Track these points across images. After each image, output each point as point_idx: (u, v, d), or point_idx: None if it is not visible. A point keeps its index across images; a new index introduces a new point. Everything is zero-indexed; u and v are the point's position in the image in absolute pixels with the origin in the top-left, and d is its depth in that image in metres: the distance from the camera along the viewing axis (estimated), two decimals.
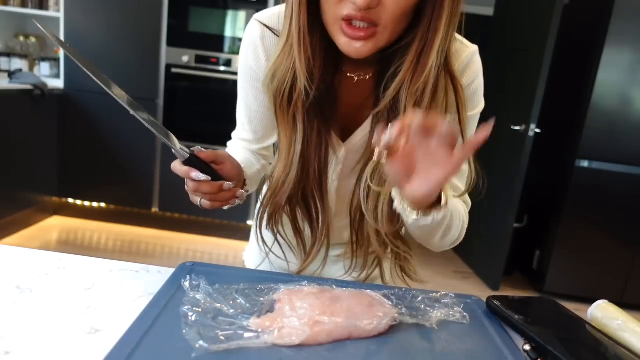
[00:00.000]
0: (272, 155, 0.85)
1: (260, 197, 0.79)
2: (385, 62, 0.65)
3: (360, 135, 0.71)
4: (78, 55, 0.55)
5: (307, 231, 0.77)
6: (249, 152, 0.80)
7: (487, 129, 0.46)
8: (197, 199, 0.64)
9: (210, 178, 0.60)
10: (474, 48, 0.69)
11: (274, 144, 0.82)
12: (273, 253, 0.79)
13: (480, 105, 0.71)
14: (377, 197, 0.67)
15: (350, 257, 0.78)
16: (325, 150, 0.70)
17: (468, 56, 0.68)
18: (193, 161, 0.60)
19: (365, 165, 0.70)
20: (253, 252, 0.94)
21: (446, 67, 0.63)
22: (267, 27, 0.69)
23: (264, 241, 0.77)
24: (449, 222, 0.62)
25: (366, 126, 0.71)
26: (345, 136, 0.72)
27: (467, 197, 0.74)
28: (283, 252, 0.79)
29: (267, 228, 0.76)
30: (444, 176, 0.50)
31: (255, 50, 0.70)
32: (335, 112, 0.69)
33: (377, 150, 0.51)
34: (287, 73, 0.63)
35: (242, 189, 0.69)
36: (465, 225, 0.71)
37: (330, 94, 0.67)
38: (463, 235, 0.70)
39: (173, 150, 0.59)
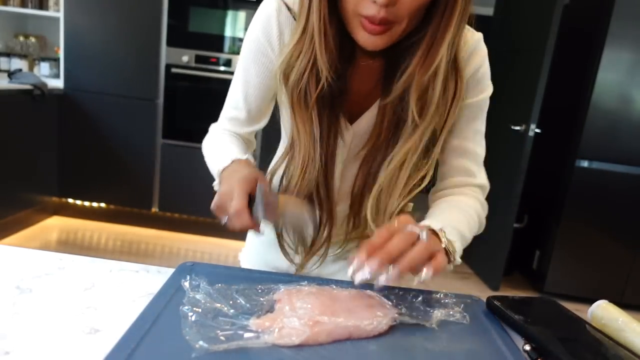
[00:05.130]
0: (254, 143, 0.84)
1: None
2: (394, 49, 0.66)
3: (367, 118, 0.72)
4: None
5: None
6: (236, 138, 0.79)
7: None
8: (224, 219, 0.63)
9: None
10: (479, 35, 0.71)
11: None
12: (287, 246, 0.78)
13: (489, 89, 0.73)
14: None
15: (344, 238, 0.78)
16: (334, 137, 0.70)
17: (474, 43, 0.70)
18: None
19: (370, 149, 0.71)
20: (250, 253, 0.94)
21: (455, 69, 0.66)
22: (285, 3, 0.68)
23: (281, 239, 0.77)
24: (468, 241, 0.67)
25: (373, 110, 0.71)
26: (351, 120, 0.72)
27: (483, 179, 0.77)
28: (290, 247, 0.78)
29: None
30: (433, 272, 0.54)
31: (269, 23, 0.69)
32: (345, 99, 0.70)
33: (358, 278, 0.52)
34: (307, 65, 0.63)
35: None
36: (483, 213, 0.75)
37: (341, 82, 0.68)
38: (484, 222, 0.75)
39: (259, 213, 0.59)
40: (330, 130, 0.69)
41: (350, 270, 0.52)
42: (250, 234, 0.95)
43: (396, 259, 0.51)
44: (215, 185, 0.68)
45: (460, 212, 0.69)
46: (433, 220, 0.65)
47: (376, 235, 0.54)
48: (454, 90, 0.67)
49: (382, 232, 0.54)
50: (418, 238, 0.53)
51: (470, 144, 0.74)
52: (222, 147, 0.75)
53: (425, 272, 0.52)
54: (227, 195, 0.60)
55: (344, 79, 0.68)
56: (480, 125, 0.75)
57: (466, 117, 0.72)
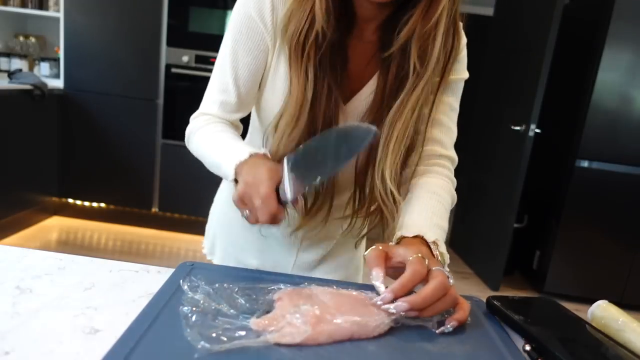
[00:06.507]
0: (241, 128, 0.82)
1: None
2: (391, 24, 0.66)
3: (363, 96, 0.72)
4: None
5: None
6: (229, 126, 0.76)
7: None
8: (246, 213, 0.61)
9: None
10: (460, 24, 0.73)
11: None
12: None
13: (466, 73, 0.75)
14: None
15: (350, 217, 0.78)
16: (335, 107, 0.69)
17: (459, 29, 0.71)
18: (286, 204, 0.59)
19: (372, 119, 0.70)
20: (214, 236, 0.95)
21: (455, 24, 0.67)
22: None
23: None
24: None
25: (368, 88, 0.71)
26: (345, 101, 0.72)
27: (453, 153, 0.78)
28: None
29: None
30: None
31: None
32: (344, 70, 0.70)
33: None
34: (306, 15, 0.63)
35: None
36: (453, 189, 0.76)
37: (341, 51, 0.68)
38: (455, 198, 0.76)
39: (287, 192, 0.58)
40: (331, 100, 0.68)
41: (377, 300, 0.52)
42: (217, 225, 0.95)
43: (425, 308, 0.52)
44: (231, 180, 0.65)
45: (439, 203, 0.69)
46: (424, 225, 0.63)
47: (410, 274, 0.53)
48: (451, 45, 0.67)
49: (415, 274, 0.53)
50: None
51: (445, 118, 0.75)
52: (225, 140, 0.71)
53: (451, 325, 0.53)
54: (254, 184, 0.59)
55: (343, 48, 0.68)
56: (455, 104, 0.76)
57: (444, 91, 0.73)
